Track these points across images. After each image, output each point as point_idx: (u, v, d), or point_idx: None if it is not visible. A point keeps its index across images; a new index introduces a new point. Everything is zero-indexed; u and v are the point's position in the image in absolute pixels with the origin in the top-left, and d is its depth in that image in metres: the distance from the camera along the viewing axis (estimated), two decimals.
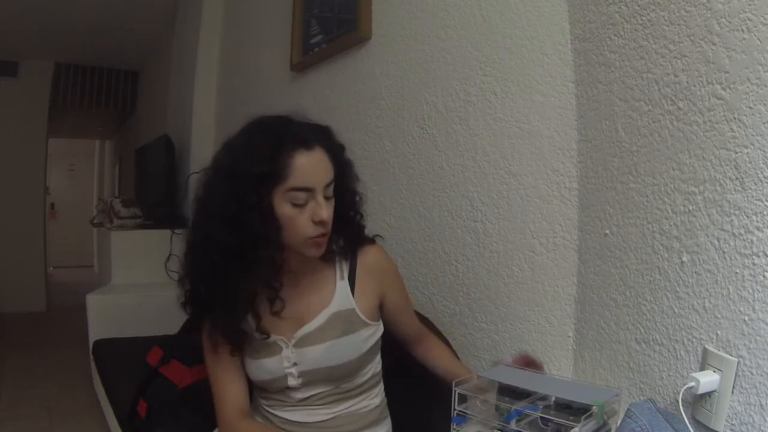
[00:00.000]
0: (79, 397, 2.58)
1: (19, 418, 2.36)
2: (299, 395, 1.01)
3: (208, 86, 2.93)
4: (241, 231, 0.90)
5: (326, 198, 0.94)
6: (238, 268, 0.93)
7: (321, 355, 0.98)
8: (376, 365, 1.09)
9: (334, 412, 1.02)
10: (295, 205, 0.91)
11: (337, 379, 1.01)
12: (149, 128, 4.19)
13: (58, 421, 2.37)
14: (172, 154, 2.93)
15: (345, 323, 1.01)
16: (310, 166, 0.91)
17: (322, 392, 1.01)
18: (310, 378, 0.99)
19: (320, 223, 0.92)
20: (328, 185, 0.94)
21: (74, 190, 7.97)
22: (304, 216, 0.92)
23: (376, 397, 1.09)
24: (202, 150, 2.83)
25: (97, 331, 2.35)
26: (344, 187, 1.01)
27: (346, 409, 1.03)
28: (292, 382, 0.99)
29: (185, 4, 3.30)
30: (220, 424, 1.00)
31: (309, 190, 0.91)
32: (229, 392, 1.00)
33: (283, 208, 0.91)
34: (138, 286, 2.61)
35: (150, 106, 4.44)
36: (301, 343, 0.99)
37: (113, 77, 5.06)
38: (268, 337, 0.99)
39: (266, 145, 0.90)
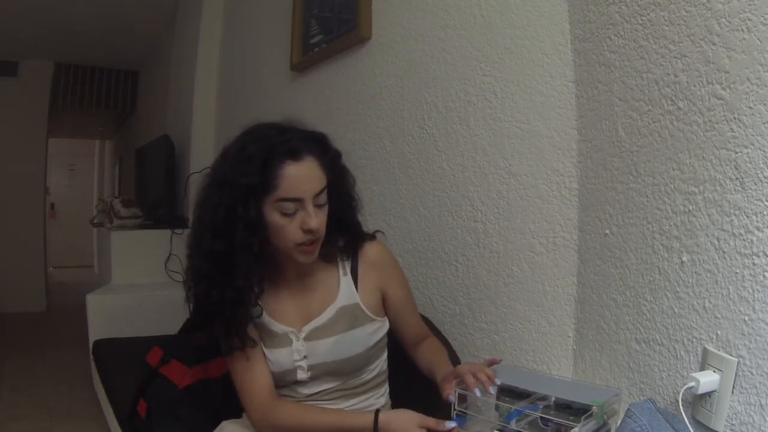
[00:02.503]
0: (79, 397, 2.58)
1: (19, 418, 2.36)
2: (307, 390, 1.03)
3: (208, 86, 2.92)
4: (226, 239, 0.93)
5: (318, 206, 0.96)
6: (224, 274, 0.95)
7: (329, 349, 1.01)
8: (382, 363, 1.11)
9: (342, 408, 1.04)
10: (285, 215, 0.93)
11: (344, 374, 1.03)
12: (149, 128, 4.19)
13: (58, 421, 2.37)
14: (172, 154, 2.93)
15: (351, 318, 1.04)
16: (298, 177, 0.92)
17: (329, 388, 1.03)
18: (318, 372, 1.02)
19: (309, 231, 0.94)
20: (318, 194, 0.95)
21: (74, 190, 7.98)
22: (294, 224, 0.94)
23: (382, 397, 1.11)
24: (202, 150, 2.83)
25: (97, 331, 2.35)
26: (340, 192, 1.03)
27: (352, 406, 1.05)
28: (301, 375, 1.01)
29: (185, 4, 3.30)
30: (250, 410, 1.00)
31: (298, 201, 0.93)
32: (256, 380, 1.00)
33: (273, 217, 0.93)
34: (138, 286, 2.61)
35: (150, 106, 4.44)
36: (310, 337, 1.02)
37: (113, 77, 5.06)
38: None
39: (256, 157, 0.92)
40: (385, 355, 1.12)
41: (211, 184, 0.97)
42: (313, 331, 1.02)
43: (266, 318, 1.03)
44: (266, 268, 1.00)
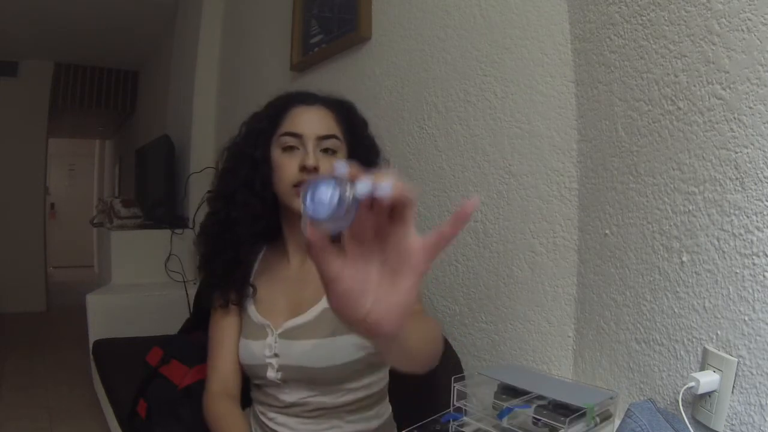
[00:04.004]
0: (79, 397, 2.59)
1: (19, 418, 2.37)
2: (285, 397, 0.96)
3: (208, 86, 2.93)
4: (234, 176, 0.98)
5: (324, 152, 0.97)
6: (228, 211, 0.98)
7: (304, 352, 0.92)
8: (371, 386, 0.98)
9: (324, 429, 0.96)
10: (285, 150, 0.95)
11: (318, 385, 0.94)
12: (149, 128, 4.19)
13: (58, 421, 2.37)
14: (172, 154, 2.93)
15: (334, 322, 0.91)
16: (304, 115, 0.96)
17: (308, 402, 0.95)
18: (289, 375, 0.94)
19: (304, 169, 0.93)
20: (323, 138, 0.96)
21: (74, 190, 7.98)
22: (293, 162, 0.94)
23: (373, 419, 1.00)
24: (202, 150, 2.83)
25: (97, 331, 2.35)
26: (359, 161, 1.01)
27: (335, 428, 0.96)
28: (271, 373, 0.94)
29: (185, 4, 3.30)
30: (208, 383, 1.01)
31: (298, 136, 0.94)
32: (221, 363, 1.00)
33: (275, 154, 0.96)
34: (138, 286, 2.61)
35: (150, 106, 4.44)
36: (287, 335, 0.95)
37: (113, 77, 5.07)
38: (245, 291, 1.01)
39: (274, 105, 1.00)
40: (376, 377, 0.99)
41: (234, 139, 1.03)
42: (292, 330, 0.95)
43: (251, 306, 1.00)
44: (267, 212, 0.98)
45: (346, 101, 1.05)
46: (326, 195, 0.38)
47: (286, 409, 0.97)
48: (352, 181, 0.40)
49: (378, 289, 0.42)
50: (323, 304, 0.94)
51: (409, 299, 0.42)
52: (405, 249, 0.42)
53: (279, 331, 0.96)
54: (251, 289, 1.02)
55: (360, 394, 0.97)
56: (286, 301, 0.99)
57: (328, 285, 0.43)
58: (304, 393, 0.95)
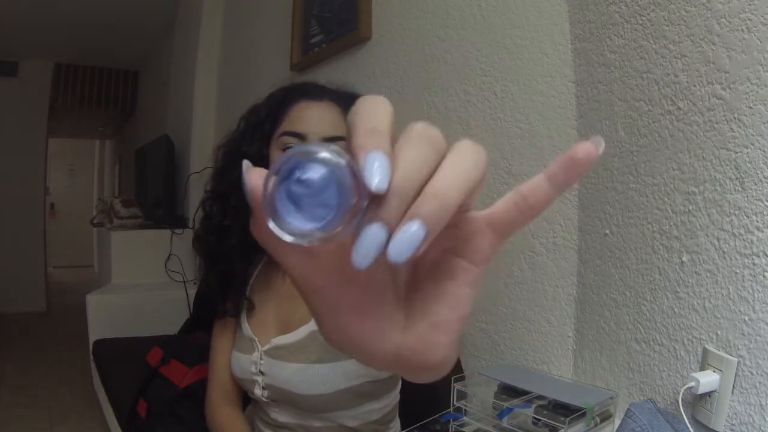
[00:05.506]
0: (79, 397, 2.59)
1: (19, 418, 2.37)
2: (275, 416, 0.90)
3: (208, 86, 2.93)
4: (227, 177, 0.89)
5: None
6: (221, 217, 0.90)
7: (289, 377, 0.84)
8: (372, 413, 0.89)
9: None
10: (285, 152, 0.85)
11: (305, 410, 0.86)
12: (149, 128, 4.19)
13: (58, 421, 2.37)
14: (172, 154, 2.94)
15: (322, 348, 0.84)
16: (307, 112, 0.84)
17: (301, 425, 0.88)
18: (276, 396, 0.87)
19: None
20: (329, 140, 0.83)
21: (74, 190, 7.98)
22: None
23: None
24: (202, 150, 2.83)
25: (97, 331, 2.35)
26: None
27: None
28: (257, 391, 0.88)
29: (185, 4, 3.30)
30: (206, 400, 0.98)
31: (300, 136, 0.82)
32: (220, 371, 0.96)
33: (274, 155, 0.85)
34: (138, 286, 2.61)
35: (150, 106, 4.44)
36: (273, 354, 0.87)
37: (113, 77, 5.06)
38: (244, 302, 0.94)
39: (276, 97, 0.89)
40: (380, 404, 0.89)
41: (233, 133, 0.94)
42: (278, 349, 0.87)
43: (244, 318, 0.94)
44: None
45: (360, 96, 0.95)
46: (317, 191, 0.21)
47: (280, 429, 0.90)
48: (356, 158, 0.22)
49: (409, 301, 0.27)
50: (311, 326, 0.85)
51: (465, 310, 0.27)
52: (456, 232, 0.26)
53: (265, 347, 0.88)
54: (246, 302, 0.96)
55: (357, 422, 0.88)
56: (275, 317, 0.92)
57: (324, 315, 0.27)
58: (293, 416, 0.88)
